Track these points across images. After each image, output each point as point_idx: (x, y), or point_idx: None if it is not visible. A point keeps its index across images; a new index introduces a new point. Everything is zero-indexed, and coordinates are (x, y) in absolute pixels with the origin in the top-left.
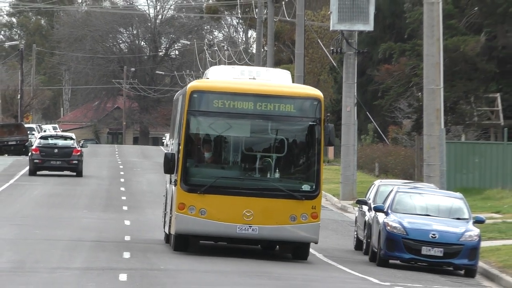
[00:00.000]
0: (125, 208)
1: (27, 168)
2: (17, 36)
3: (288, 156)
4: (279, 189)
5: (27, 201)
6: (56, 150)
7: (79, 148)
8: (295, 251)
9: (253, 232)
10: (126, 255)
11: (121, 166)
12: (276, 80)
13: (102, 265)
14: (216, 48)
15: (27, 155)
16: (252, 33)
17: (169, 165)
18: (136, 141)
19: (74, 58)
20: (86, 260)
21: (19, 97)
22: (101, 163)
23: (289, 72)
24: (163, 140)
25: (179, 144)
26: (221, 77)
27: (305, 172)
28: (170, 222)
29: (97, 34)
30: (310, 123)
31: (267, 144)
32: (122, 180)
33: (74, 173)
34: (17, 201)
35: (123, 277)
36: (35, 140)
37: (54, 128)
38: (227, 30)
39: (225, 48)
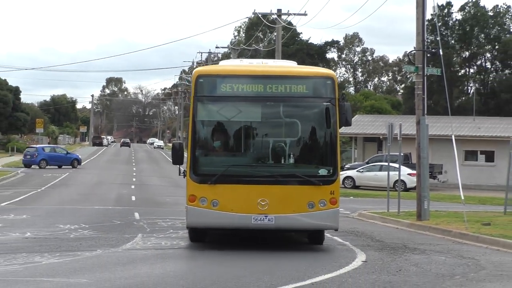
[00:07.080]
0: (133, 164)
1: (105, 148)
2: (99, 107)
3: (302, 139)
4: (295, 175)
5: (96, 170)
6: (125, 142)
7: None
8: (311, 236)
9: (269, 222)
10: (134, 179)
11: (132, 151)
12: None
13: (125, 182)
14: (164, 113)
15: (104, 146)
16: (177, 108)
17: (177, 155)
18: (138, 142)
19: (118, 116)
20: (121, 181)
21: (100, 128)
22: (125, 150)
23: (295, 63)
24: (147, 142)
25: (187, 133)
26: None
27: (321, 156)
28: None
29: (125, 106)
30: (324, 103)
31: (279, 128)
32: (132, 154)
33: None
34: (92, 168)
35: (132, 186)
36: (121, 140)
37: (111, 138)
38: (169, 107)
39: (168, 114)
